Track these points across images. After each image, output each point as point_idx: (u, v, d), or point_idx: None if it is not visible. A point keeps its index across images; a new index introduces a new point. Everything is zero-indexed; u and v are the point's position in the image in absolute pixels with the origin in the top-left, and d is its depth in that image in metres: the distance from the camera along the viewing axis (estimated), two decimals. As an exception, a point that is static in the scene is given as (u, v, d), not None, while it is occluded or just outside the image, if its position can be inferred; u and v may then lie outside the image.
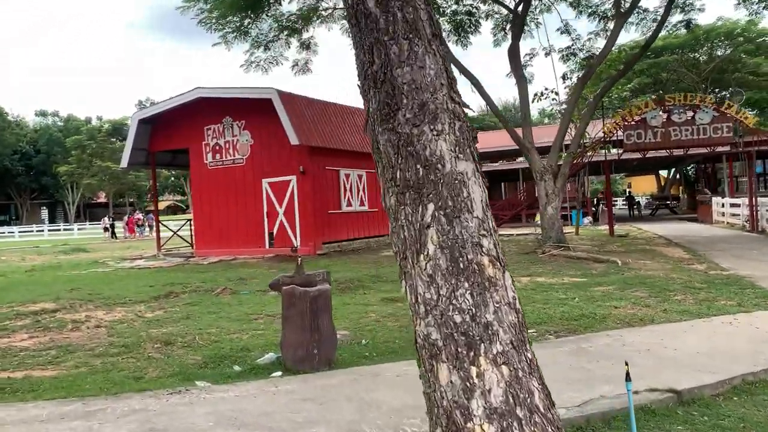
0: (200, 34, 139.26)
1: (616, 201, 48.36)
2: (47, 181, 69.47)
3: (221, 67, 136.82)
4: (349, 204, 20.36)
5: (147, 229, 40.67)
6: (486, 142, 40.96)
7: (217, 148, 20.16)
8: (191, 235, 23.73)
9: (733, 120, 20.24)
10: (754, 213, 20.55)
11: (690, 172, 47.81)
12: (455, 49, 21.27)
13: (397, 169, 2.58)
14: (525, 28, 22.15)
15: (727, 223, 24.40)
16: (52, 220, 73.77)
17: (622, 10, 16.83)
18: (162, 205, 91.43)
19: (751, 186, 20.78)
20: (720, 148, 23.52)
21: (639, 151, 21.73)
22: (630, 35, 49.35)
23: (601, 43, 25.25)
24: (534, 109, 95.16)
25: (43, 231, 51.60)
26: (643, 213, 40.35)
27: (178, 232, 23.18)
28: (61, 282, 14.90)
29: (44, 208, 75.07)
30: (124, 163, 20.99)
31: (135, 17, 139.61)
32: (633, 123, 20.93)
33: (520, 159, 40.49)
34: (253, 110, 19.32)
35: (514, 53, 18.35)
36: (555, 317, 7.83)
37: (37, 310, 10.38)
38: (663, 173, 55.25)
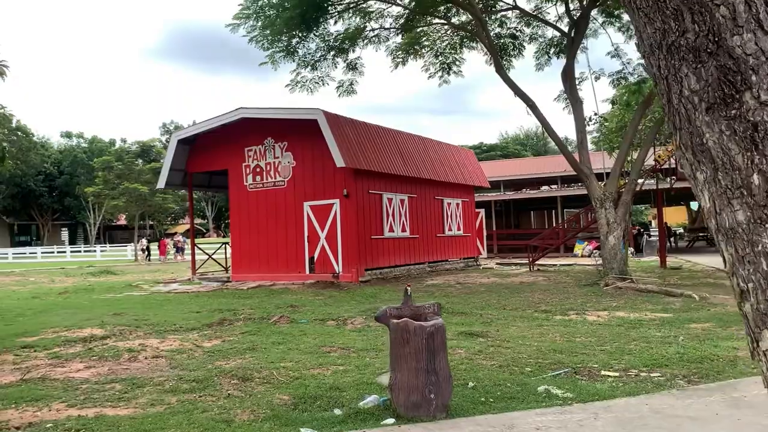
0: (220, 60, 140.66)
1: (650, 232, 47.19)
2: (70, 202, 69.60)
3: (244, 94, 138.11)
4: (391, 229, 19.65)
5: (173, 252, 40.31)
6: (507, 170, 40.32)
7: (258, 169, 19.61)
8: (225, 259, 23.13)
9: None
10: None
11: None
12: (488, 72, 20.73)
13: (747, 173, 1.85)
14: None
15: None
16: (73, 241, 73.75)
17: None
18: (180, 229, 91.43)
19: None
20: None
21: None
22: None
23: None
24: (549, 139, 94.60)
25: (65, 252, 51.30)
26: (679, 245, 39.28)
27: (213, 256, 22.55)
28: (100, 306, 14.27)
29: (64, 229, 75.14)
30: (162, 183, 20.48)
31: (155, 41, 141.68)
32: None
33: (545, 188, 39.83)
34: (295, 131, 18.80)
35: (567, 75, 17.71)
36: (672, 359, 6.99)
37: (85, 336, 9.70)
38: (694, 205, 54.19)
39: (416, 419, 5.09)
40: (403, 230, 20.28)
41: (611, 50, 21.12)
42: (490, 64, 22.64)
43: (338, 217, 18.07)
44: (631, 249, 29.67)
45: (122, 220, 78.29)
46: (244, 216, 19.90)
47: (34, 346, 9.01)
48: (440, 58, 22.34)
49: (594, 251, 29.82)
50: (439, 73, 22.45)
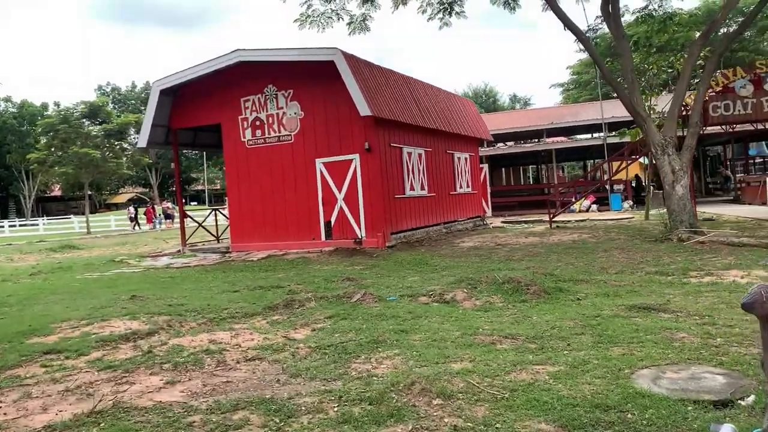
0: (151, 19, 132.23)
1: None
2: (0, 172, 63.89)
3: (178, 55, 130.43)
4: (412, 188, 17.53)
5: (162, 219, 37.71)
6: (493, 123, 38.63)
7: (258, 123, 17.00)
8: (216, 228, 20.55)
9: (835, 89, 18.24)
10: None
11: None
12: (505, 13, 18.69)
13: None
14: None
15: (796, 205, 22.59)
16: (4, 215, 68.05)
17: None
18: (123, 198, 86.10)
19: None
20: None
21: (726, 124, 19.56)
22: None
23: (676, 3, 22.95)
24: (505, 96, 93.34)
25: (2, 227, 46.81)
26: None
27: (203, 224, 19.93)
28: (99, 288, 11.70)
29: (-7, 202, 69.31)
30: (143, 142, 17.57)
31: (78, 1, 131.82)
32: (719, 93, 18.75)
33: (535, 141, 38.40)
34: (303, 77, 16.27)
35: (608, 10, 15.77)
36: None
37: (122, 332, 7.30)
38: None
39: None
40: (422, 188, 18.19)
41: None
42: (496, 3, 20.67)
43: (359, 175, 15.79)
44: (629, 202, 28.65)
45: (56, 191, 72.75)
46: (244, 177, 17.32)
47: (62, 351, 6.57)
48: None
49: (592, 205, 28.65)
50: (439, 15, 20.17)
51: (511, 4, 20.54)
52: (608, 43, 37.48)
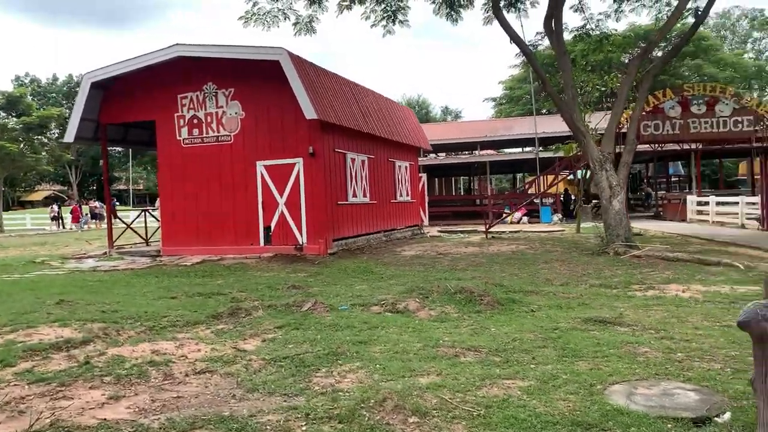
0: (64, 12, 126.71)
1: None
2: None
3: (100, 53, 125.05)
4: (355, 194, 17.29)
5: (88, 219, 35.78)
6: (431, 134, 38.96)
7: (196, 121, 16.35)
8: (145, 230, 19.64)
9: (754, 113, 19.37)
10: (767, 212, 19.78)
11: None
12: (447, 25, 18.87)
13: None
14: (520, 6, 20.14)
15: (714, 222, 23.79)
16: None
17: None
18: (38, 196, 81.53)
19: (765, 185, 20.02)
20: (689, 146, 22.80)
21: (656, 143, 20.40)
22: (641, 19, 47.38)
23: (611, 24, 23.70)
24: (437, 108, 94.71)
25: None
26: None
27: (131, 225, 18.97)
28: (21, 291, 10.82)
29: None
30: (70, 136, 16.54)
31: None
32: (649, 113, 19.56)
33: (468, 153, 38.96)
34: (245, 76, 15.79)
35: (551, 27, 16.10)
36: None
37: (53, 341, 6.71)
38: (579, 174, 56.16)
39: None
40: (364, 195, 17.99)
41: (575, 4, 19.78)
42: (438, 14, 20.79)
43: (302, 180, 15.43)
44: (558, 215, 29.45)
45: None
46: (178, 178, 16.61)
47: (-17, 362, 5.95)
48: (383, 5, 19.97)
49: (523, 218, 29.27)
50: (383, 22, 20.09)
51: (454, 16, 20.71)
52: (541, 60, 38.59)
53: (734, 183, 44.81)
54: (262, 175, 15.77)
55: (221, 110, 16.09)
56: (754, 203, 21.53)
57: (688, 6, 16.36)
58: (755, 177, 38.57)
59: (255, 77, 15.62)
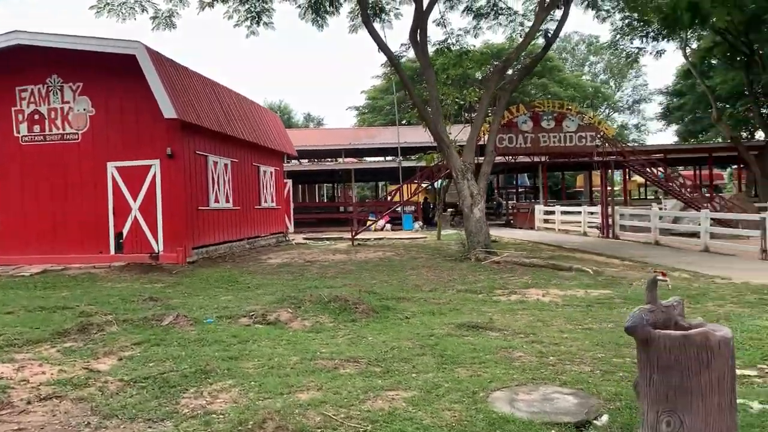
0: None
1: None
2: None
3: None
4: (217, 200, 16.49)
5: None
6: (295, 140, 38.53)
7: (37, 117, 14.76)
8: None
9: (596, 130, 21.09)
10: (607, 221, 21.59)
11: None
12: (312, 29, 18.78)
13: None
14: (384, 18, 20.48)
15: (559, 230, 25.61)
16: None
17: (547, 2, 15.99)
18: None
19: (604, 196, 21.85)
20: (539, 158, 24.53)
21: (509, 155, 21.54)
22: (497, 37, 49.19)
23: (470, 41, 24.70)
24: (299, 114, 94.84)
25: None
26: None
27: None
28: None
29: None
30: None
31: None
32: (504, 127, 20.64)
33: (332, 160, 38.94)
34: (97, 71, 14.54)
35: (416, 39, 16.46)
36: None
37: None
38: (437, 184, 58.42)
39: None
40: (227, 201, 17.23)
41: (437, 18, 20.42)
42: (303, 19, 20.58)
43: (158, 183, 14.45)
44: (419, 222, 30.26)
45: None
46: (14, 178, 14.90)
47: None
48: (247, 5, 19.46)
49: (386, 225, 29.73)
50: (247, 23, 19.53)
51: (320, 21, 20.58)
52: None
53: (574, 194, 48.70)
54: (113, 177, 14.57)
55: (67, 106, 14.67)
56: (594, 213, 23.41)
57: (540, 27, 17.51)
58: (592, 189, 42.31)
59: (108, 72, 14.44)
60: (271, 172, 21.48)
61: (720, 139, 41.88)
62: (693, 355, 3.22)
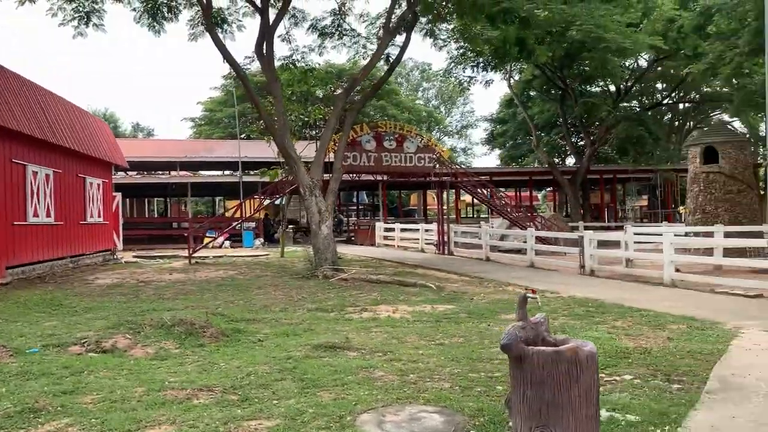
0: None
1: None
2: None
3: None
4: (36, 213, 14.84)
5: None
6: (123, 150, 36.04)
7: None
8: None
9: (433, 151, 22.11)
10: (443, 238, 22.63)
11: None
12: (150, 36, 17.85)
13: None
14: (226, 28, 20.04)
15: (399, 246, 26.42)
16: None
17: (391, 27, 16.47)
18: None
19: (441, 214, 22.91)
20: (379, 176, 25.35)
21: (354, 173, 21.84)
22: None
23: (315, 58, 24.68)
24: (127, 123, 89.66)
25: None
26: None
27: None
28: None
29: None
30: None
31: None
32: (348, 145, 20.96)
33: (165, 173, 36.89)
34: None
35: (262, 52, 16.17)
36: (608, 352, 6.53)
37: None
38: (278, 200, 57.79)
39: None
40: (48, 215, 15.57)
41: (282, 34, 20.27)
42: (139, 23, 19.46)
43: (-36, 194, 12.69)
44: (260, 239, 29.64)
45: None
46: None
47: None
48: (74, 3, 18.01)
49: (225, 242, 28.75)
50: (74, 22, 18.04)
51: (156, 27, 19.53)
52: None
53: (409, 212, 50.67)
54: None
55: None
56: (430, 230, 24.46)
57: (384, 52, 18.06)
58: (426, 207, 44.30)
59: None
60: (99, 185, 19.83)
61: (536, 164, 46.02)
62: (564, 370, 3.38)
